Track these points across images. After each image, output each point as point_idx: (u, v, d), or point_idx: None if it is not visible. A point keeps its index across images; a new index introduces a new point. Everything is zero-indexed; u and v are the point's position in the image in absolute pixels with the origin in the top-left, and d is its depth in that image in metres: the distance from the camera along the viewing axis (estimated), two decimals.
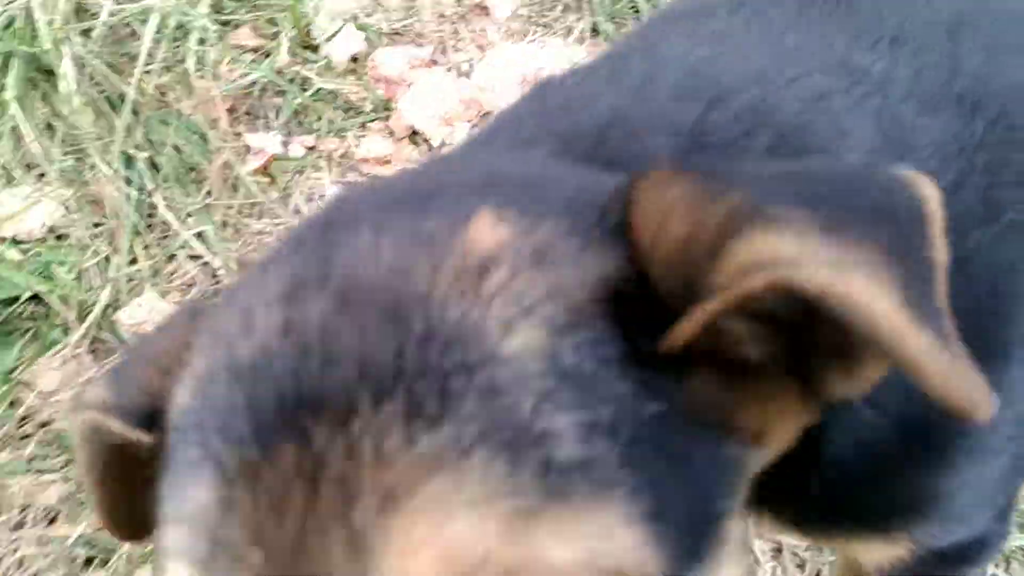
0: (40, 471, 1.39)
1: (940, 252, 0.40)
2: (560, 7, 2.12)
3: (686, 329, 0.41)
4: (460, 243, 0.45)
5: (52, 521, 1.36)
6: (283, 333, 0.44)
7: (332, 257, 0.46)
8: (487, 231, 0.46)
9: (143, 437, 0.52)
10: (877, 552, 0.79)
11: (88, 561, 1.32)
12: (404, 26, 2.05)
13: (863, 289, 0.37)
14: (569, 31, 2.07)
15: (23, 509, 1.38)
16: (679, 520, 0.43)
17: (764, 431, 0.48)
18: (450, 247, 0.45)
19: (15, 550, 1.33)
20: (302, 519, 0.40)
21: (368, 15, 2.03)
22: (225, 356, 0.46)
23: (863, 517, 0.74)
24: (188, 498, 0.44)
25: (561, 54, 1.93)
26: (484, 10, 2.12)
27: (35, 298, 1.52)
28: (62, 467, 1.40)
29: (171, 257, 1.63)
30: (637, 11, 2.12)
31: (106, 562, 1.31)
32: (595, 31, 2.10)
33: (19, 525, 1.36)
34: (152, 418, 0.52)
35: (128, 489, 0.57)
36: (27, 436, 1.43)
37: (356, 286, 0.45)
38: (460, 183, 0.55)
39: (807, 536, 0.98)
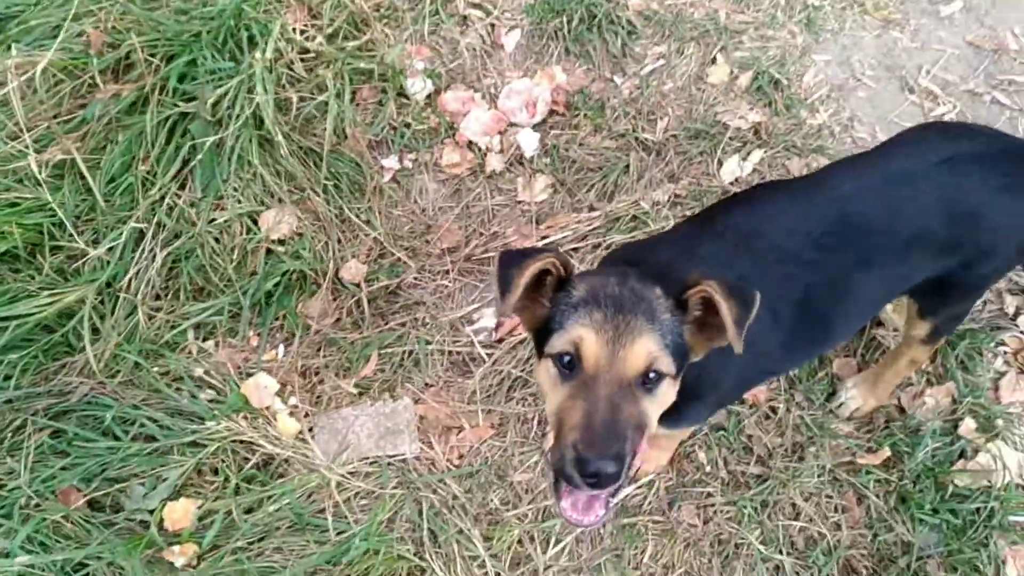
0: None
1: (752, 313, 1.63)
2: (544, 38, 3.37)
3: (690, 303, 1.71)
4: (652, 288, 1.70)
5: None
6: (614, 288, 1.68)
7: (622, 281, 1.70)
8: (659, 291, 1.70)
9: (562, 272, 1.71)
10: None
11: None
12: (454, 66, 3.32)
13: (727, 309, 1.60)
14: (552, 55, 3.33)
15: None
16: (678, 359, 1.70)
17: (695, 350, 1.76)
18: (651, 288, 1.70)
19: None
20: (616, 330, 1.62)
21: (432, 64, 3.30)
22: (594, 290, 1.67)
23: None
24: (588, 315, 1.64)
25: (546, 86, 3.21)
26: (500, 46, 3.37)
27: (297, 270, 2.91)
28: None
29: (356, 237, 3.01)
30: (592, 31, 3.37)
31: None
32: (567, 51, 3.36)
33: None
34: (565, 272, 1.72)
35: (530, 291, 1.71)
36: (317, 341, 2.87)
37: (629, 288, 1.68)
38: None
39: None
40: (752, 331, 1.64)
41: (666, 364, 1.65)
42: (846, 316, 2.14)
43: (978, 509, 2.57)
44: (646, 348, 1.62)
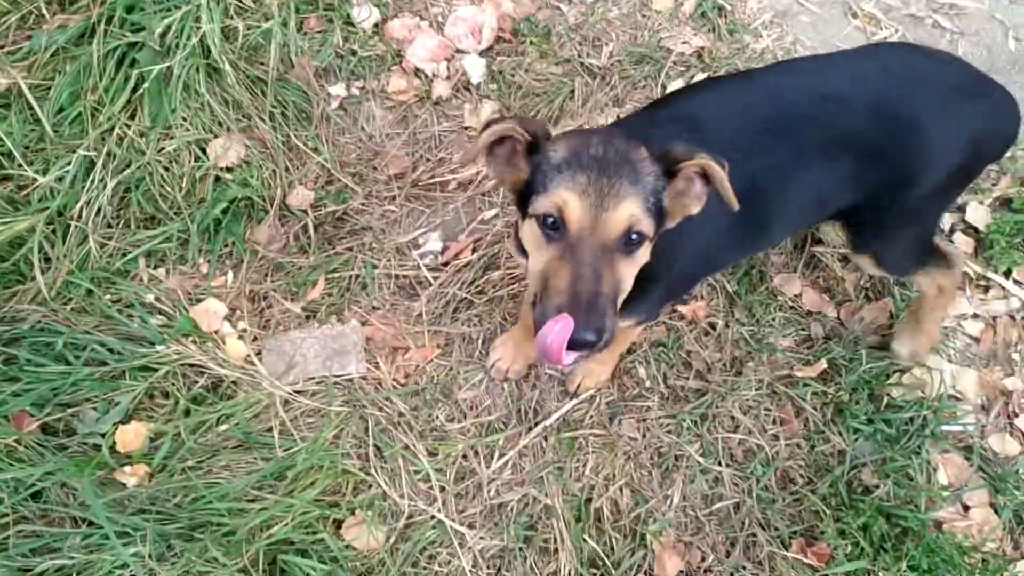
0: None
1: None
2: None
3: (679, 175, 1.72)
4: (637, 149, 1.69)
5: None
6: (598, 149, 1.66)
7: (605, 141, 1.68)
8: (643, 151, 1.70)
9: (526, 137, 1.72)
10: None
11: None
12: None
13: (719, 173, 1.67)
14: None
15: None
16: (657, 222, 1.71)
17: (672, 216, 1.77)
18: (635, 149, 1.69)
19: None
20: (600, 193, 1.62)
21: None
22: (577, 151, 1.66)
23: None
24: (572, 177, 1.64)
25: (492, 13, 3.17)
26: None
27: (245, 197, 2.89)
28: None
29: (303, 164, 2.99)
30: None
31: None
32: None
33: None
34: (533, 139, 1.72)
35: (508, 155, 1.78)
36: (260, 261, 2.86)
37: (613, 149, 1.67)
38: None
39: None
40: (699, 217, 1.76)
41: (647, 225, 1.68)
42: (783, 211, 2.14)
43: (911, 419, 2.60)
44: (628, 210, 1.64)
